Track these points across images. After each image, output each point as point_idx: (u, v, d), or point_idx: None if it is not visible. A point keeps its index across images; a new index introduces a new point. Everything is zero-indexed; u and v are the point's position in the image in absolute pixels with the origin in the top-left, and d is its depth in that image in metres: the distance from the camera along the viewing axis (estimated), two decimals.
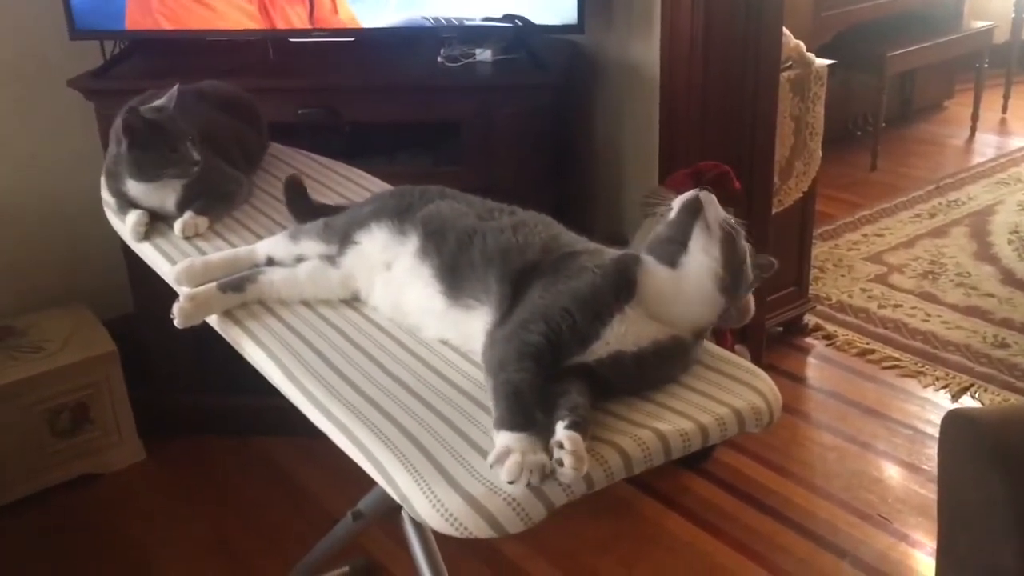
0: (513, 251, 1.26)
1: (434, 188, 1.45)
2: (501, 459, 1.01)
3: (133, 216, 1.62)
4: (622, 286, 1.17)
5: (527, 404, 1.07)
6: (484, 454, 1.06)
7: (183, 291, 1.39)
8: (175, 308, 1.36)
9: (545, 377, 1.11)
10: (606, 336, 1.15)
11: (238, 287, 1.40)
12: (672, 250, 1.18)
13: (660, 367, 1.18)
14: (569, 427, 1.04)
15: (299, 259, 1.45)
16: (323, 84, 2.49)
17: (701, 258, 1.17)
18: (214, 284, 1.40)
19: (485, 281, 1.24)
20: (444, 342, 1.30)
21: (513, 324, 1.17)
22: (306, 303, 1.40)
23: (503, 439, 1.03)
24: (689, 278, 1.17)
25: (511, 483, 0.99)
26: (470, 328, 1.25)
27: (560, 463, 1.01)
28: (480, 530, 0.98)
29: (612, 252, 1.25)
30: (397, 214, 1.39)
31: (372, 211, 1.43)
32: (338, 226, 1.44)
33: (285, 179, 1.66)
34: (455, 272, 1.28)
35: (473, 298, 1.25)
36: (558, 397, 1.09)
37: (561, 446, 1.01)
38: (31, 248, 2.76)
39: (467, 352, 1.27)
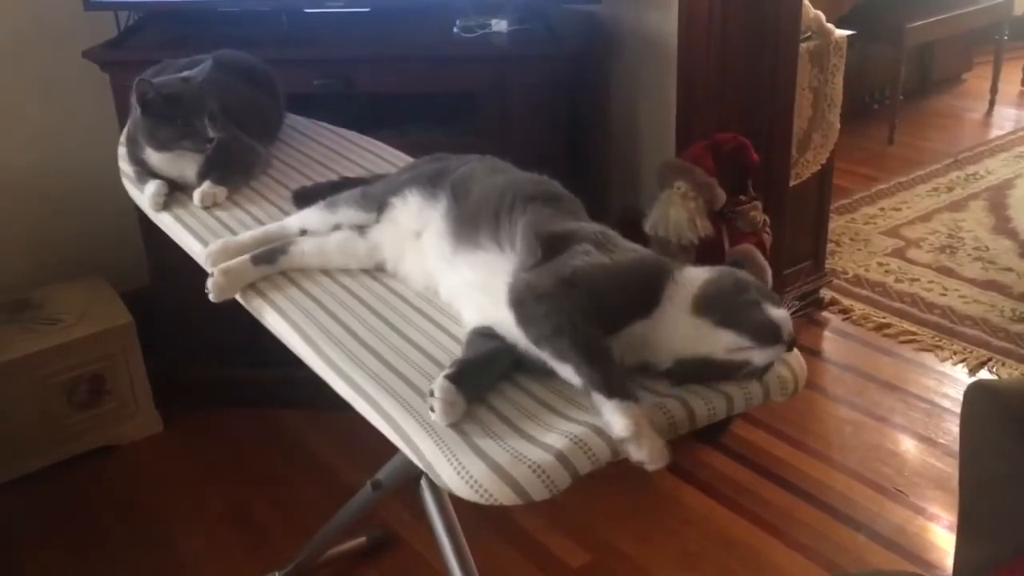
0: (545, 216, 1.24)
1: (473, 155, 1.44)
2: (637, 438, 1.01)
3: (152, 186, 1.62)
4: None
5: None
6: (508, 422, 1.06)
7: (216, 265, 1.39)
8: (209, 283, 1.36)
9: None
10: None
11: (271, 260, 1.39)
12: None
13: None
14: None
15: (335, 228, 1.44)
16: (338, 55, 2.47)
17: None
18: (247, 256, 1.39)
19: (510, 230, 1.22)
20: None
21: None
22: (327, 273, 1.39)
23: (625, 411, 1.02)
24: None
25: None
26: (487, 269, 1.22)
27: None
28: (505, 497, 0.97)
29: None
30: (430, 179, 1.38)
31: (409, 177, 1.42)
32: (376, 194, 1.43)
33: (292, 194, 1.61)
34: (474, 222, 1.26)
35: (492, 241, 1.24)
36: None
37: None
38: (47, 221, 2.76)
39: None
